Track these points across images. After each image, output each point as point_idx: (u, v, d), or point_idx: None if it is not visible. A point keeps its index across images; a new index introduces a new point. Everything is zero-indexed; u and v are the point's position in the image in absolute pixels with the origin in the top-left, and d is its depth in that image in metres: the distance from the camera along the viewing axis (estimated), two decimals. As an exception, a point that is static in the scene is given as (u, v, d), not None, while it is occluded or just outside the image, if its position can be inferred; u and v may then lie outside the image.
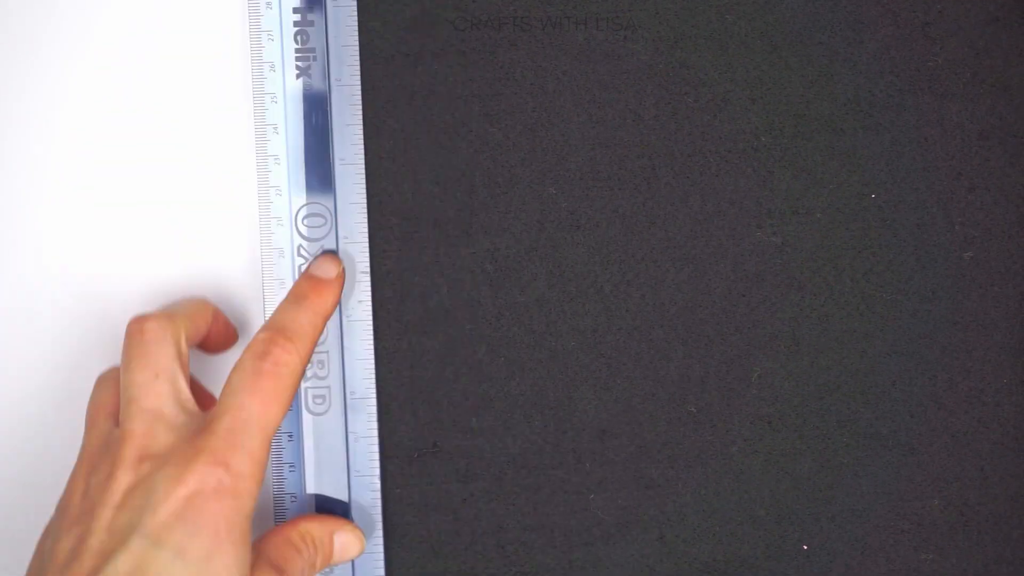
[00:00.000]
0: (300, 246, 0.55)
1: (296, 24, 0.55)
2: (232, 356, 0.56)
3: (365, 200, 0.55)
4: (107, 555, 0.46)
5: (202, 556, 0.47)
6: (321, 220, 0.55)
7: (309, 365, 0.55)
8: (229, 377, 0.50)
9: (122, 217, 0.55)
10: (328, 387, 0.55)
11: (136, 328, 0.51)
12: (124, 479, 0.48)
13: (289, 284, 0.55)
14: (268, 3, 0.55)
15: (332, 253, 0.55)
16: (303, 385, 0.55)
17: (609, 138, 0.56)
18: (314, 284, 0.53)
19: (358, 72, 0.55)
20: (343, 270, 0.54)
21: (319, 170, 0.55)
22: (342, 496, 0.55)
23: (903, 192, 0.56)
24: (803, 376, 0.56)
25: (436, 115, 0.56)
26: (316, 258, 0.54)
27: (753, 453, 0.56)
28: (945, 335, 0.56)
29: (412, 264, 0.56)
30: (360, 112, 0.55)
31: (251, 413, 0.49)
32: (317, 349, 0.55)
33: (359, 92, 0.55)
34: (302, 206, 0.55)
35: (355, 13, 0.55)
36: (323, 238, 0.55)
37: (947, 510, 0.56)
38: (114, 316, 0.55)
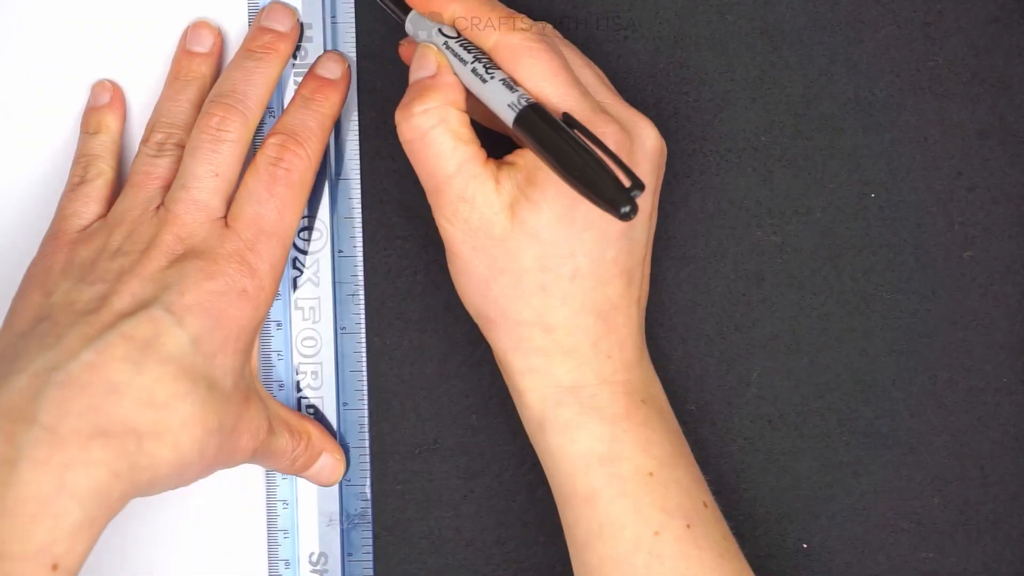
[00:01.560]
0: (296, 258, 0.55)
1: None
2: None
3: (360, 215, 0.55)
4: (129, 316, 0.47)
5: (211, 351, 0.48)
6: (317, 233, 0.55)
7: (303, 376, 0.55)
8: (244, 179, 0.51)
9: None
10: (321, 397, 0.55)
11: (214, 123, 0.51)
12: (158, 257, 0.49)
13: (286, 292, 0.55)
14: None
15: (336, 52, 0.55)
16: (298, 397, 0.55)
17: (609, 138, 0.56)
18: (320, 85, 0.53)
19: (355, 87, 0.55)
20: (348, 68, 0.54)
21: (316, 185, 0.55)
22: (333, 504, 0.55)
23: (903, 192, 0.56)
24: (803, 376, 0.56)
25: (436, 115, 0.55)
26: (319, 58, 0.54)
27: (753, 452, 0.56)
28: (945, 335, 0.56)
29: (412, 264, 0.56)
30: (357, 128, 0.55)
31: (270, 222, 0.50)
32: (311, 360, 0.55)
33: (356, 107, 0.55)
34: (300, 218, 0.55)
35: (353, 29, 0.55)
36: (319, 251, 0.55)
37: (947, 509, 0.56)
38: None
